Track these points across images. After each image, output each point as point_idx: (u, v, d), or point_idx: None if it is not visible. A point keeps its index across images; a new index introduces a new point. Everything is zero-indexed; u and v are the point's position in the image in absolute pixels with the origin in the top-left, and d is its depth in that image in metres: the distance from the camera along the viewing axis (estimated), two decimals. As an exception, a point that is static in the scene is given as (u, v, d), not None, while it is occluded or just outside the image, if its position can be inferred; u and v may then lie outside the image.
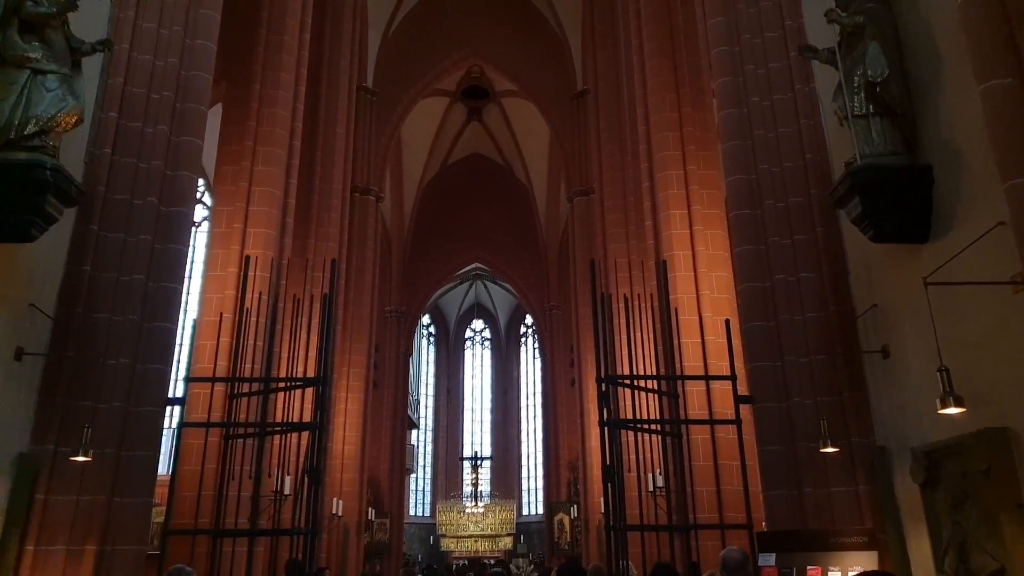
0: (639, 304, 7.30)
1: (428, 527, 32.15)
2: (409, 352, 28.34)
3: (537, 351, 32.69)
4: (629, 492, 8.53)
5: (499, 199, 28.68)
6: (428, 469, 35.66)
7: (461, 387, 37.51)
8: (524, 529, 31.23)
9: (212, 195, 12.18)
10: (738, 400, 6.55)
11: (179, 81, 6.94)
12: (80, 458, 5.52)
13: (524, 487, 34.59)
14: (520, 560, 30.10)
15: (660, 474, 7.88)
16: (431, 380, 36.89)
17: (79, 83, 5.48)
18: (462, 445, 35.51)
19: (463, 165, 29.12)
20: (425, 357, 36.25)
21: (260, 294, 7.24)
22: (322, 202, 15.47)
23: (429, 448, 36.03)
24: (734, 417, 6.61)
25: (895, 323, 5.58)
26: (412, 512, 32.81)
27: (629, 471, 7.03)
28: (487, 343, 38.34)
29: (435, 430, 36.36)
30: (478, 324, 38.25)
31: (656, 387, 7.40)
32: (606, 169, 16.60)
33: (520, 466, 35.24)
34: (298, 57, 12.46)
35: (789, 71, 7.08)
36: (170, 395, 6.67)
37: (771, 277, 6.69)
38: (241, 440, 7.06)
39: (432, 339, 37.40)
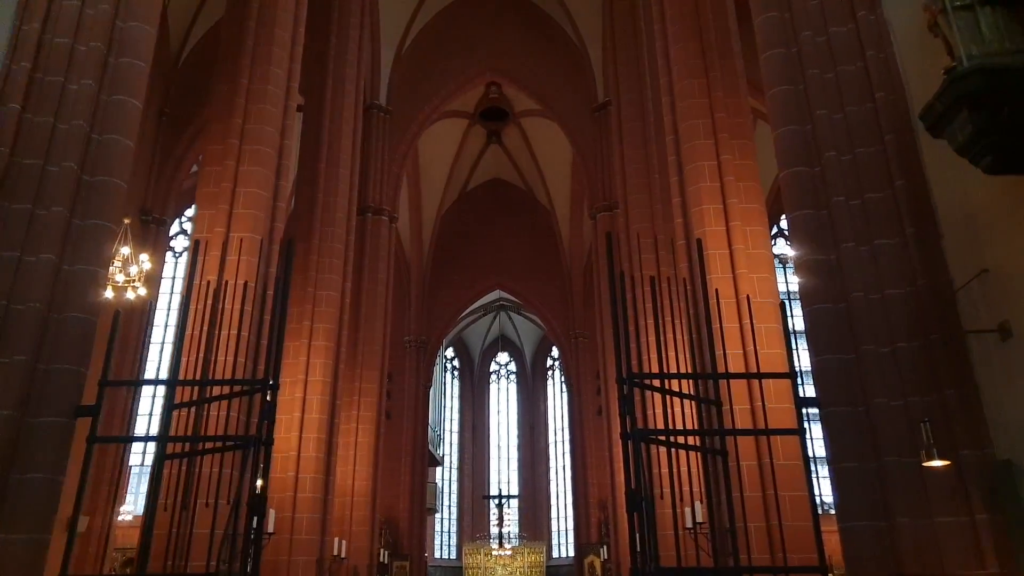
0: (668, 290, 5.92)
1: (455, 570, 30.39)
2: (429, 383, 26.99)
3: (564, 384, 31.14)
4: (663, 530, 7.05)
5: (521, 224, 27.62)
6: (453, 509, 33.94)
7: (486, 422, 35.90)
8: (554, 573, 29.43)
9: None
10: (800, 403, 5.10)
11: (113, 32, 5.84)
12: (-66, 479, 4.26)
13: (554, 528, 32.72)
14: (549, 606, 28.26)
15: (702, 503, 6.36)
16: (455, 416, 35.38)
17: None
18: (488, 483, 33.78)
19: (483, 190, 28.21)
20: (449, 391, 34.79)
21: (207, 283, 6.00)
22: (326, 216, 14.44)
23: (454, 487, 34.37)
24: (795, 427, 5.17)
25: (1020, 289, 4.13)
26: (437, 554, 31.11)
27: (662, 498, 5.57)
28: (513, 377, 36.80)
29: (460, 468, 34.72)
30: (503, 357, 36.78)
31: (694, 391, 5.94)
32: (630, 176, 15.40)
33: (549, 505, 33.37)
34: (291, 52, 11.49)
35: (848, -1, 5.77)
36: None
37: (837, 247, 5.28)
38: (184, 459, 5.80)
39: (456, 373, 35.99)
